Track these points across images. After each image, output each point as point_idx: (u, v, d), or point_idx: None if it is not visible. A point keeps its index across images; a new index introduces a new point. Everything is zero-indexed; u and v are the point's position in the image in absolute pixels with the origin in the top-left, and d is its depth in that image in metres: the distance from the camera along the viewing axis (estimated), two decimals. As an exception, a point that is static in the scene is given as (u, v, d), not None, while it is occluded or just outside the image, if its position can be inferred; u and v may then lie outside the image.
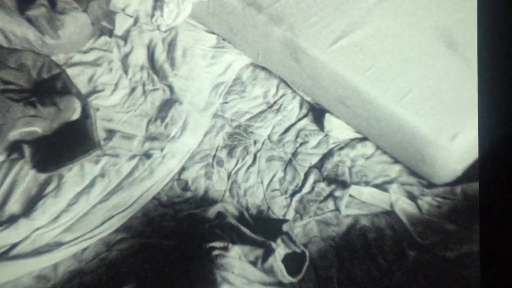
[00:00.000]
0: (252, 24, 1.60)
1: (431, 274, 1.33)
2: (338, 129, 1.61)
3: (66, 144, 1.38)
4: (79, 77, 1.59)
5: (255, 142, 1.60)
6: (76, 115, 1.40)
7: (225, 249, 1.22)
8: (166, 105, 1.60)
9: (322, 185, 1.52)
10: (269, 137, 1.63)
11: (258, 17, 1.58)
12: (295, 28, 1.56)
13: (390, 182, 1.51)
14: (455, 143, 1.39)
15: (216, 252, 1.22)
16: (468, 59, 1.48)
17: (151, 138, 1.52)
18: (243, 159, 1.55)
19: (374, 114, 1.47)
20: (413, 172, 1.51)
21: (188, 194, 1.47)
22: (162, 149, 1.49)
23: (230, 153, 1.57)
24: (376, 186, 1.49)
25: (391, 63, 1.49)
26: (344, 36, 1.54)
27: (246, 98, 1.69)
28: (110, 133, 1.49)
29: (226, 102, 1.68)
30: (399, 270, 1.35)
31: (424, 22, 1.56)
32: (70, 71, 1.56)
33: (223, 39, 1.75)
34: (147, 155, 1.47)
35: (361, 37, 1.54)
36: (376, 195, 1.46)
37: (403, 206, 1.44)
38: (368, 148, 1.59)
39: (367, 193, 1.47)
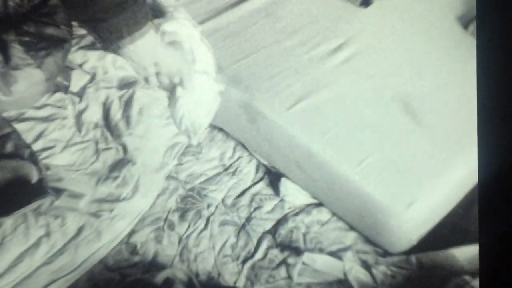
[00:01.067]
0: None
1: None
2: (293, 194, 1.72)
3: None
4: (29, 132, 1.65)
5: (208, 206, 1.71)
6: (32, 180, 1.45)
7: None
8: (119, 165, 1.66)
9: (275, 251, 1.63)
10: (223, 200, 1.73)
11: (216, 77, 1.67)
12: (253, 90, 1.69)
13: (345, 249, 1.62)
14: (410, 211, 1.51)
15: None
16: (427, 125, 1.65)
17: (100, 198, 1.57)
18: (195, 223, 1.65)
19: (330, 180, 1.59)
20: (368, 240, 1.62)
21: (136, 258, 1.56)
22: (111, 211, 1.55)
23: (182, 217, 1.68)
24: (331, 253, 1.60)
25: (349, 127, 1.62)
26: (303, 99, 1.67)
27: (201, 160, 1.80)
28: (58, 192, 1.54)
29: (180, 164, 1.78)
30: None
31: (384, 87, 1.71)
32: (20, 126, 1.62)
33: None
34: (95, 216, 1.52)
35: (320, 101, 1.67)
36: (330, 263, 1.57)
37: (357, 275, 1.55)
38: (323, 214, 1.71)
39: (320, 261, 1.57)
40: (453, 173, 1.60)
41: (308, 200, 1.74)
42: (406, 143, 1.62)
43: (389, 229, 1.57)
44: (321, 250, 1.63)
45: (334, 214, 1.69)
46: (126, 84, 1.80)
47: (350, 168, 1.58)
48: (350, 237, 1.68)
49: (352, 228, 1.66)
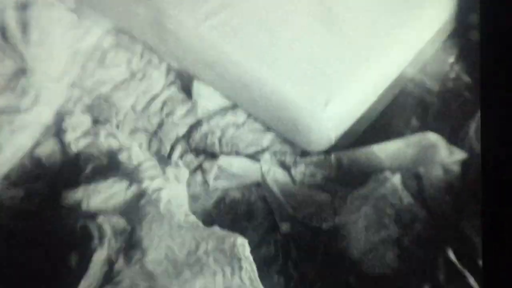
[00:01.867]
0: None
1: (303, 247, 1.50)
2: (207, 97, 1.74)
3: None
4: None
5: (117, 114, 1.70)
6: None
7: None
8: (17, 75, 1.66)
9: (190, 157, 1.67)
10: (132, 107, 1.74)
11: None
12: (162, 6, 1.65)
13: (262, 151, 1.67)
14: (328, 110, 1.56)
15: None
16: (342, 20, 1.67)
17: (-1, 111, 1.45)
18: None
19: (244, 80, 1.61)
20: (286, 140, 1.68)
21: (41, 170, 1.54)
22: (10, 123, 1.56)
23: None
24: (248, 156, 1.65)
25: (261, 27, 1.63)
26: (214, 13, 1.66)
27: (107, 65, 1.78)
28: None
29: (84, 70, 1.76)
30: (269, 244, 1.49)
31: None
32: None
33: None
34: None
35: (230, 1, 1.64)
36: (247, 165, 1.62)
37: (275, 176, 1.61)
38: (239, 117, 1.73)
39: (237, 164, 1.62)
40: (370, 70, 1.64)
41: (223, 102, 1.76)
42: (320, 41, 1.64)
43: (307, 128, 1.61)
44: (237, 154, 1.66)
45: (249, 115, 1.72)
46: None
47: (264, 67, 1.60)
48: (267, 139, 1.71)
49: (269, 129, 1.70)
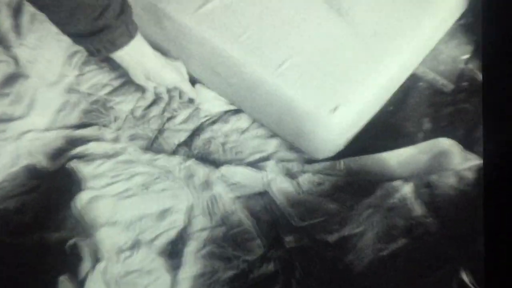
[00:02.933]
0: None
1: (308, 262, 1.42)
2: (210, 101, 1.67)
3: None
4: None
5: (115, 119, 1.65)
6: None
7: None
8: (10, 80, 1.62)
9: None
10: (132, 112, 1.68)
11: None
12: None
13: (267, 158, 1.60)
14: (335, 115, 1.47)
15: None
16: (353, 21, 1.56)
17: (-7, 117, 1.40)
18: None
19: (249, 84, 1.53)
20: (292, 147, 1.60)
21: (35, 182, 1.50)
22: (4, 131, 1.52)
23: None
24: (252, 163, 1.58)
25: (267, 27, 1.53)
26: None
27: (106, 68, 1.71)
28: None
29: (82, 74, 1.70)
30: (269, 260, 1.42)
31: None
32: None
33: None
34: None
35: None
36: (251, 175, 1.55)
37: (281, 185, 1.53)
38: (243, 122, 1.67)
39: (240, 173, 1.55)
40: (381, 72, 1.54)
41: (226, 106, 1.69)
42: (330, 42, 1.54)
43: (314, 135, 1.53)
44: (241, 160, 1.60)
45: (254, 121, 1.65)
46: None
47: (269, 71, 1.51)
48: (272, 145, 1.65)
49: (274, 135, 1.63)
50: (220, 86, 1.65)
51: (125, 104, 1.70)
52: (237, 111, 1.68)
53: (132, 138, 1.65)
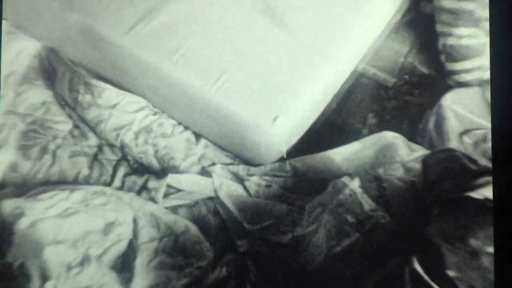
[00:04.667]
0: (45, 9, 1.57)
1: (262, 264, 1.39)
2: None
3: None
4: None
5: (54, 138, 1.58)
6: None
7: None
8: None
9: (133, 177, 1.56)
10: (70, 131, 1.63)
11: (51, 3, 1.55)
12: (92, 12, 1.54)
13: (201, 159, 1.57)
14: (276, 126, 1.47)
15: None
16: (288, 28, 1.55)
17: None
18: (40, 160, 1.54)
19: (187, 101, 1.52)
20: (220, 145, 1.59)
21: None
22: None
23: (25, 155, 1.55)
24: (197, 170, 1.56)
25: (202, 43, 1.52)
26: (146, 16, 1.53)
27: (41, 87, 1.67)
28: None
29: (18, 95, 1.63)
30: (223, 265, 1.40)
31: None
32: None
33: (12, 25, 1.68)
34: None
35: (168, 16, 1.54)
36: (197, 181, 1.52)
37: (228, 189, 1.51)
38: (165, 127, 1.61)
39: (186, 181, 1.52)
40: (320, 76, 1.55)
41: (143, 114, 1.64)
42: (267, 52, 1.54)
43: (257, 146, 1.53)
44: (176, 167, 1.57)
45: (176, 124, 1.62)
46: None
47: (207, 87, 1.50)
48: (201, 145, 1.65)
49: (198, 136, 1.62)
50: (159, 103, 1.64)
51: (64, 123, 1.66)
52: (155, 113, 1.64)
53: (72, 155, 1.60)
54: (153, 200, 1.50)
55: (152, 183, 1.52)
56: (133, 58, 1.54)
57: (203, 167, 1.57)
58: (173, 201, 1.52)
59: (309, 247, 1.39)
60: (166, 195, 1.51)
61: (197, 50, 1.53)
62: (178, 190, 1.52)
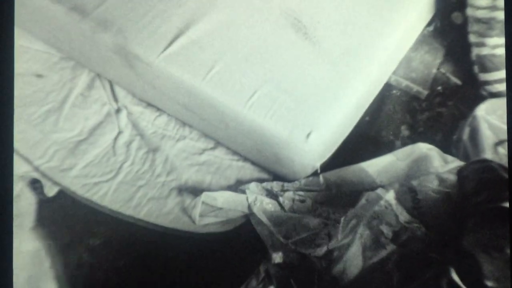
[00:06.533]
0: (78, 32, 1.60)
1: (298, 276, 1.40)
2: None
3: None
4: None
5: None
6: None
7: None
8: None
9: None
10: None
11: (84, 23, 1.58)
12: (126, 32, 1.56)
13: (248, 181, 1.56)
14: (310, 141, 1.46)
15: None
16: (319, 42, 1.56)
17: None
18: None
19: (222, 118, 1.52)
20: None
21: None
22: None
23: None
24: (232, 187, 1.55)
25: (234, 59, 1.53)
26: (180, 35, 1.55)
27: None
28: None
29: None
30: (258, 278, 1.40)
31: (269, 4, 1.61)
32: None
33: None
34: None
35: (200, 33, 1.56)
36: (232, 198, 1.53)
37: (263, 206, 1.51)
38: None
39: (221, 198, 1.53)
40: (353, 90, 1.54)
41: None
42: (298, 66, 1.53)
43: (291, 161, 1.52)
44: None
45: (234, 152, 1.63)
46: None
47: (240, 104, 1.50)
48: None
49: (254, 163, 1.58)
50: (193, 121, 1.66)
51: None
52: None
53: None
54: (191, 218, 1.51)
55: (188, 201, 1.54)
56: (167, 77, 1.56)
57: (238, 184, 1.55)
58: (210, 219, 1.54)
59: (344, 259, 1.37)
60: (203, 213, 1.53)
61: (229, 68, 1.54)
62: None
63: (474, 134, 1.45)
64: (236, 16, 1.60)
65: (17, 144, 1.55)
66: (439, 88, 1.70)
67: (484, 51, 1.52)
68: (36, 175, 1.54)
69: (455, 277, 1.15)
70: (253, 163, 1.60)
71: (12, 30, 1.33)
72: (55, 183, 1.53)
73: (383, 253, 1.34)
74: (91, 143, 1.65)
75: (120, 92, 1.72)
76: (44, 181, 1.52)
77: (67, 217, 1.52)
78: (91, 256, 1.45)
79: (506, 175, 1.22)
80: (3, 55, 1.30)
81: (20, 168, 1.53)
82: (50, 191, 1.53)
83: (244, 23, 1.59)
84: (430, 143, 1.49)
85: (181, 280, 1.46)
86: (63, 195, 1.54)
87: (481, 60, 1.53)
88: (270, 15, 1.60)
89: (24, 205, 1.49)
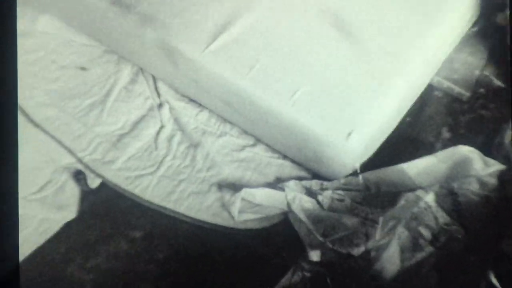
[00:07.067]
0: (121, 26, 1.62)
1: (335, 275, 1.41)
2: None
3: None
4: None
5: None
6: None
7: None
8: None
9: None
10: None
11: (127, 17, 1.60)
12: (169, 27, 1.58)
13: (287, 178, 1.56)
14: (350, 141, 1.46)
15: None
16: (361, 41, 1.56)
17: None
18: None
19: (263, 116, 1.53)
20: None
21: None
22: None
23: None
24: (271, 184, 1.56)
25: (276, 57, 1.53)
26: (223, 31, 1.56)
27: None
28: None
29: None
30: (297, 275, 1.42)
31: (308, 1, 1.60)
32: None
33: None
34: None
35: (242, 30, 1.56)
36: (271, 195, 1.54)
37: (302, 204, 1.52)
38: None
39: (260, 195, 1.54)
40: (394, 89, 1.53)
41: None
42: (340, 65, 1.54)
43: (331, 160, 1.53)
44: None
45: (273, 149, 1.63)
46: None
47: (282, 102, 1.51)
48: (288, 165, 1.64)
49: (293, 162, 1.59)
50: (234, 118, 1.67)
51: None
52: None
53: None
54: (230, 214, 1.52)
55: (227, 197, 1.55)
56: (210, 74, 1.58)
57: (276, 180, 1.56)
58: (249, 215, 1.55)
59: (381, 260, 1.38)
60: (242, 209, 1.54)
61: (270, 66, 1.54)
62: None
63: (516, 137, 1.43)
64: (276, 13, 1.60)
65: (61, 135, 1.55)
66: (482, 90, 1.68)
67: (528, 52, 1.50)
68: (80, 166, 1.53)
69: (494, 281, 1.14)
70: (293, 161, 1.59)
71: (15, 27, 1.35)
72: (98, 175, 1.51)
73: (421, 255, 1.34)
74: (133, 137, 1.66)
75: (162, 87, 1.70)
76: (87, 173, 1.52)
77: (109, 209, 1.51)
78: (131, 248, 1.44)
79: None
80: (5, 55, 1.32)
81: (64, 159, 1.53)
82: (93, 182, 1.52)
83: (284, 20, 1.59)
84: (471, 145, 1.49)
85: (218, 275, 1.46)
86: (106, 187, 1.53)
87: (524, 62, 1.51)
88: (309, 13, 1.60)
89: (68, 196, 1.51)
